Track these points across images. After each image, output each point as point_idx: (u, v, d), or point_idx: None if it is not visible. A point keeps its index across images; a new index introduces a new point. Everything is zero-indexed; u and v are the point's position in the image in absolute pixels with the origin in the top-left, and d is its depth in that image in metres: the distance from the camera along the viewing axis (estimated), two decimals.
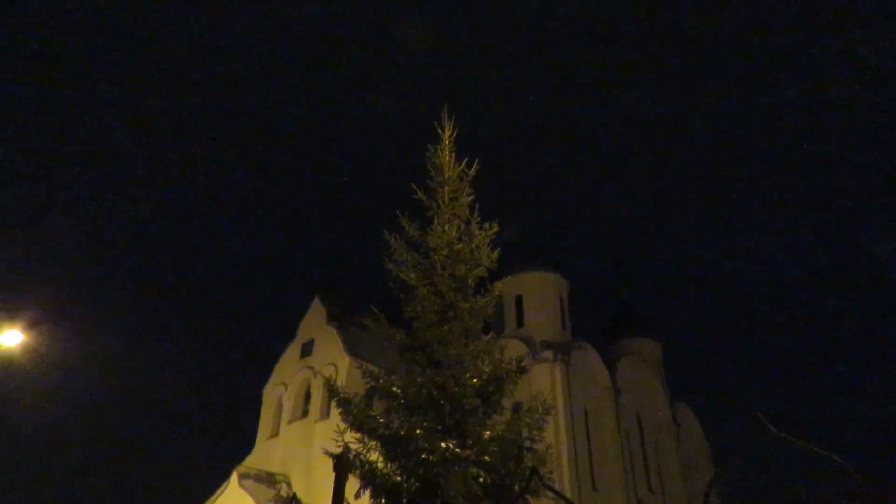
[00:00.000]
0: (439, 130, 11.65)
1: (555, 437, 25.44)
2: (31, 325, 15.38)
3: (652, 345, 37.52)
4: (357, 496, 8.58)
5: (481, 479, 8.40)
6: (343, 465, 2.86)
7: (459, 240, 10.52)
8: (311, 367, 28.79)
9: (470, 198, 11.07)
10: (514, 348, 22.00)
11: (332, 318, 29.92)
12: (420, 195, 11.07)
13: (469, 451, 8.48)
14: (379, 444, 9.04)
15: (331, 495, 2.64)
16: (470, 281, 10.27)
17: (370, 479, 8.76)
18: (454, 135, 11.64)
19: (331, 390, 9.91)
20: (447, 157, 11.35)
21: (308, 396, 28.51)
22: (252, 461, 27.59)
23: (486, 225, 10.73)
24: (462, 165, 11.33)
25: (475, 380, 9.24)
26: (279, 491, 23.47)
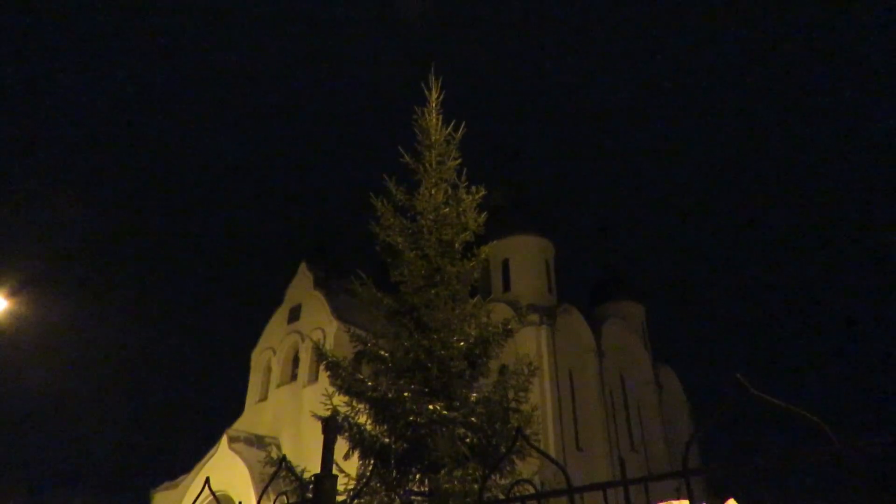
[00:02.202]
0: (426, 93, 11.47)
1: (540, 399, 25.89)
2: (15, 292, 15.25)
3: (636, 308, 38.00)
4: (346, 457, 8.71)
5: (468, 440, 8.55)
6: (331, 427, 2.88)
7: (446, 204, 10.47)
8: (298, 332, 28.91)
9: (457, 161, 10.96)
10: (500, 312, 22.16)
11: (318, 283, 29.94)
12: (407, 159, 10.95)
13: (456, 413, 8.60)
14: (367, 407, 9.13)
15: (319, 457, 2.70)
16: (457, 245, 10.26)
17: (359, 440, 8.88)
18: (441, 97, 11.47)
19: (319, 354, 9.96)
20: (434, 120, 11.20)
21: (296, 361, 28.70)
22: (242, 424, 27.88)
23: (474, 189, 10.66)
24: (449, 129, 11.19)
25: (462, 343, 9.31)
26: (269, 453, 23.75)
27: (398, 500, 8.09)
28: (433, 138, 11.02)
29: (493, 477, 8.20)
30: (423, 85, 11.56)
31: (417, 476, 8.58)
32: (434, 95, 11.41)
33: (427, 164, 10.84)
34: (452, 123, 11.25)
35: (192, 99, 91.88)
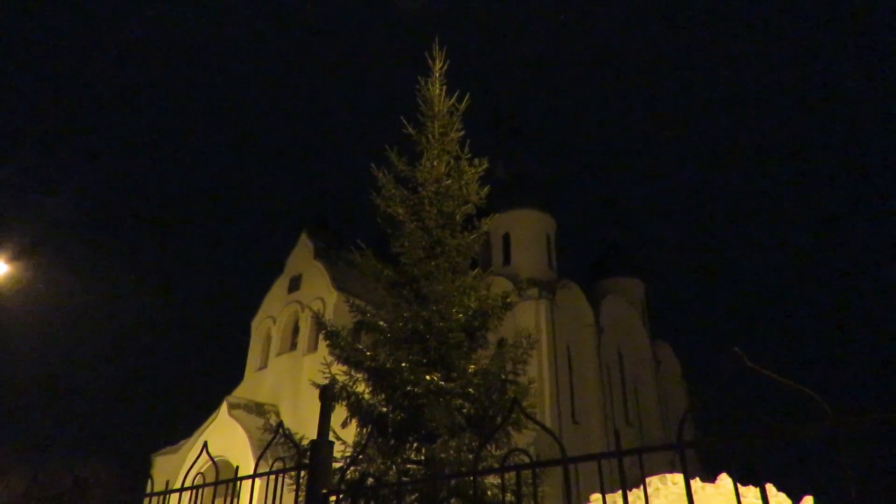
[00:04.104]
0: (430, 63, 11.32)
1: (538, 372, 26.09)
2: (15, 257, 15.27)
3: (636, 284, 38.08)
4: (344, 425, 8.81)
5: (465, 411, 8.63)
6: (328, 395, 2.92)
7: (448, 176, 10.40)
8: (298, 302, 29.01)
9: (460, 133, 10.85)
10: (500, 285, 22.26)
11: (319, 253, 29.95)
12: (409, 129, 10.85)
13: (453, 384, 8.66)
14: (365, 376, 9.20)
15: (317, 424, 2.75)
16: (458, 217, 10.22)
17: (357, 409, 8.97)
18: (445, 68, 11.31)
19: (319, 324, 10.01)
20: (438, 91, 11.05)
21: (296, 330, 28.85)
22: (242, 392, 28.14)
23: (476, 161, 10.57)
24: (453, 100, 11.06)
25: (461, 315, 9.33)
26: (268, 420, 24.05)
27: (394, 468, 8.19)
28: (436, 109, 10.90)
29: (488, 447, 8.30)
30: (427, 55, 11.41)
31: (414, 445, 8.68)
32: (438, 66, 11.25)
33: (430, 136, 10.74)
34: (456, 94, 11.12)
35: (196, 66, 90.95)
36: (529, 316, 27.88)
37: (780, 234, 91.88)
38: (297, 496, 2.97)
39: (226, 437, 23.02)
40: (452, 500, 7.87)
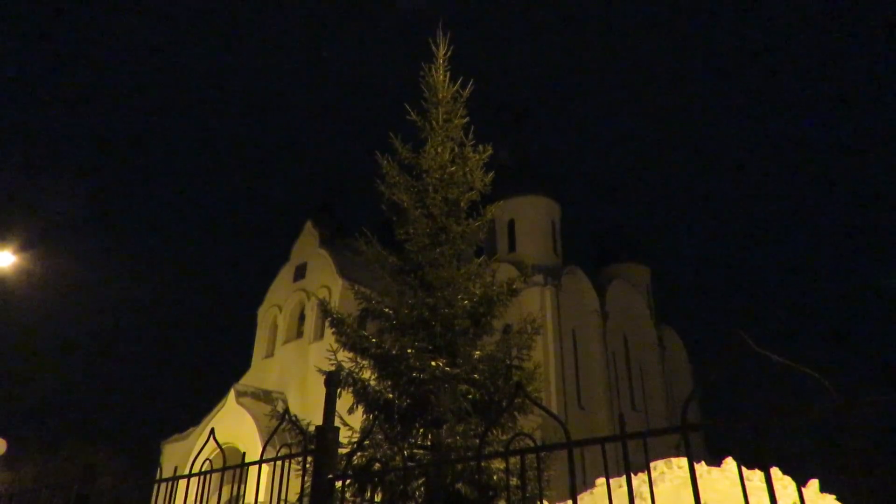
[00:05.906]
0: (434, 49, 11.24)
1: (543, 357, 26.17)
2: (23, 247, 15.33)
3: (641, 270, 38.02)
4: (350, 412, 8.86)
5: (470, 396, 8.66)
6: (333, 382, 2.97)
7: (453, 162, 10.36)
8: (304, 290, 29.10)
9: (464, 120, 10.79)
10: (505, 272, 22.19)
11: (324, 241, 30.01)
12: (413, 116, 10.80)
13: (459, 370, 8.69)
14: (371, 363, 9.24)
15: None
16: (462, 204, 10.20)
17: (363, 395, 9.01)
18: (449, 54, 11.24)
19: (324, 311, 10.03)
20: (441, 77, 10.99)
21: (302, 318, 28.98)
22: (249, 379, 28.33)
23: (480, 148, 10.51)
24: (457, 86, 10.99)
25: (466, 302, 9.34)
26: (275, 407, 24.21)
27: (401, 454, 8.24)
28: (440, 95, 10.84)
29: (495, 432, 8.34)
30: (430, 41, 11.32)
31: (420, 430, 8.73)
32: (442, 51, 11.17)
33: (434, 122, 10.69)
34: (460, 81, 11.04)
35: (203, 56, 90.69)
36: (535, 302, 27.92)
37: (785, 217, 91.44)
38: (303, 481, 3.00)
39: (233, 424, 23.21)
40: (458, 485, 7.93)
